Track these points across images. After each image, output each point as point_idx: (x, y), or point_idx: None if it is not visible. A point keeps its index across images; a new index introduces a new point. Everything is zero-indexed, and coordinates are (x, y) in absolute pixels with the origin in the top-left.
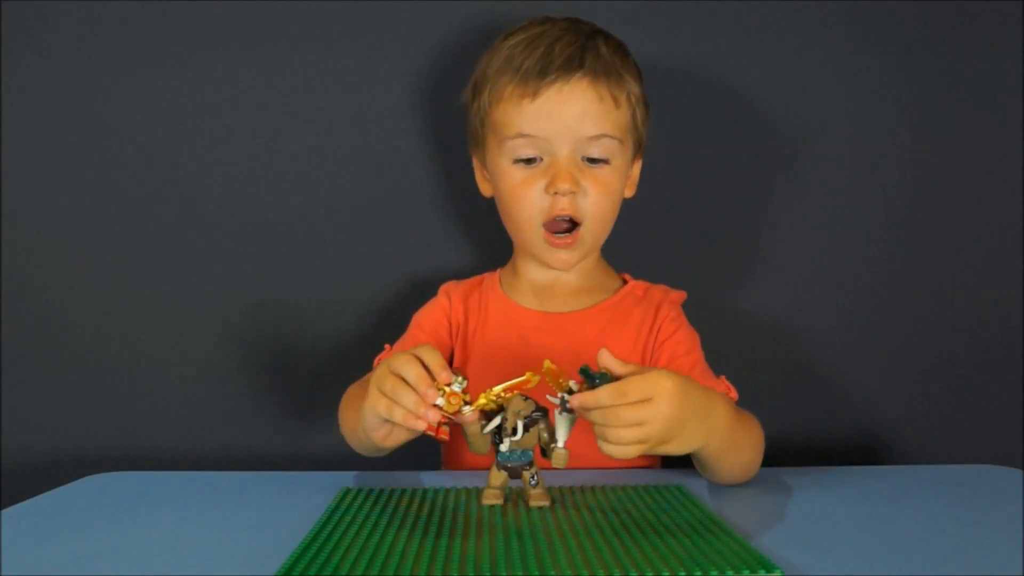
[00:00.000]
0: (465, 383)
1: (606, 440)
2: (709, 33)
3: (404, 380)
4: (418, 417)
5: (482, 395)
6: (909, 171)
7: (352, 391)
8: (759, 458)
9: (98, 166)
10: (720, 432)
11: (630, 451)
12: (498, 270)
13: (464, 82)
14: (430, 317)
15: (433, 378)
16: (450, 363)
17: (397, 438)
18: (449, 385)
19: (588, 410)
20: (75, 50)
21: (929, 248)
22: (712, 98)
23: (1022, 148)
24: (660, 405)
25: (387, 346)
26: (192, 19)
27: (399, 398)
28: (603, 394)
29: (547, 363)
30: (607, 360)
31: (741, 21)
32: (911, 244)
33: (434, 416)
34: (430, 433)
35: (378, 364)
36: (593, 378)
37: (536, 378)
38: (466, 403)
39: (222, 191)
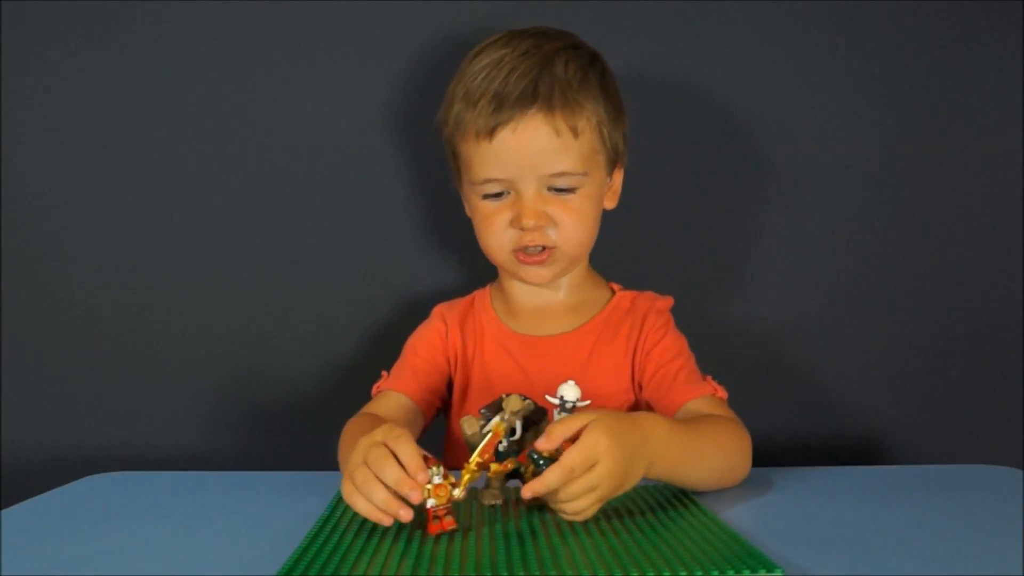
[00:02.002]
0: (442, 469)
1: (565, 513)
2: (698, 38)
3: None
4: (384, 516)
5: (464, 472)
6: (904, 170)
7: (350, 432)
8: (738, 460)
9: (98, 167)
10: (662, 453)
11: (590, 512)
12: (488, 287)
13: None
14: (426, 342)
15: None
16: (449, 390)
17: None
18: (430, 482)
19: (542, 491)
20: (75, 50)
21: (929, 246)
22: (702, 104)
23: (1022, 148)
24: (605, 465)
25: (384, 373)
26: (177, 36)
27: (373, 497)
28: (551, 478)
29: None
30: (544, 444)
31: (731, 25)
32: (911, 242)
33: (405, 516)
34: (439, 531)
35: (376, 394)
36: (541, 461)
37: (504, 425)
38: (453, 485)
39: (224, 192)
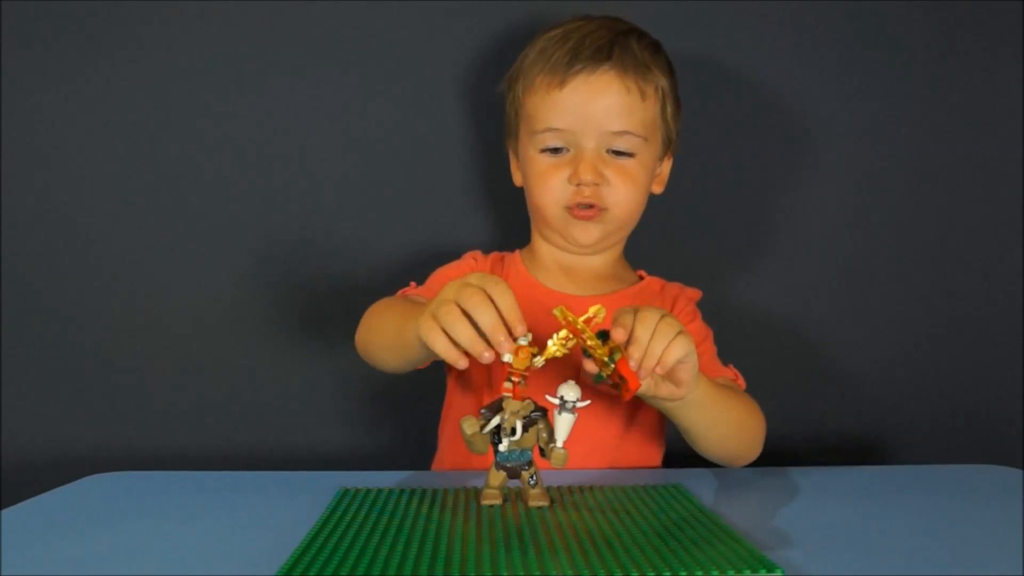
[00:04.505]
0: (530, 336)
1: (667, 339)
2: (714, 33)
3: (468, 315)
4: (461, 356)
5: (550, 342)
6: (913, 172)
7: (386, 302)
8: (754, 436)
9: (98, 166)
10: (701, 376)
11: (686, 337)
12: (517, 251)
13: (499, 76)
14: (456, 270)
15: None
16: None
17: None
18: (516, 339)
19: (629, 331)
20: (76, 50)
21: (931, 248)
22: (719, 97)
23: (1022, 148)
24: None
25: (412, 283)
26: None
27: (457, 333)
28: (620, 316)
29: (560, 310)
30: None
31: (749, 21)
32: (913, 244)
33: (489, 357)
34: (507, 394)
35: (402, 297)
36: (601, 336)
37: (603, 310)
38: (535, 355)
39: (225, 188)
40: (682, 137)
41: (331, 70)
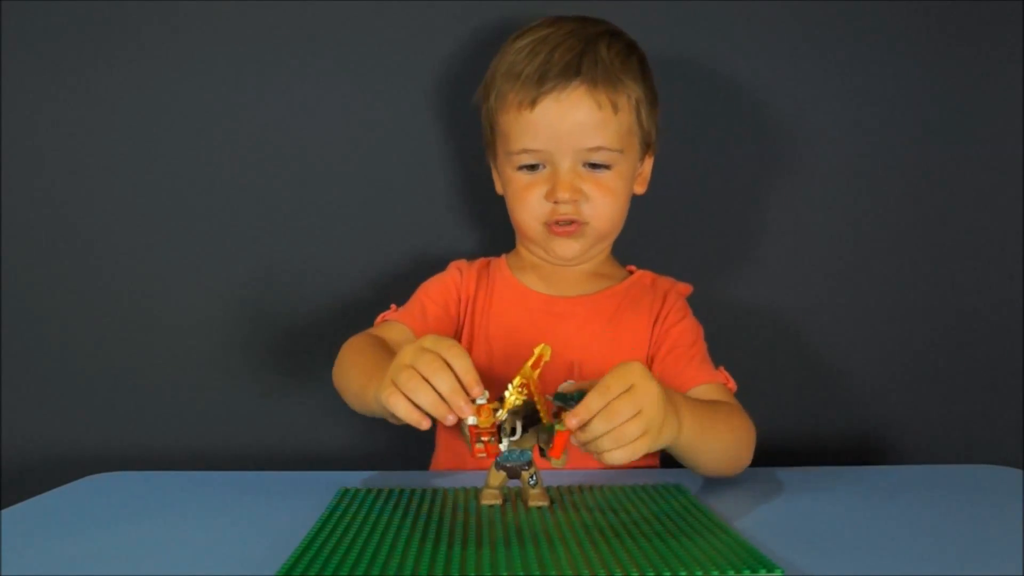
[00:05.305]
0: (487, 393)
1: (616, 444)
2: (710, 31)
3: (429, 382)
4: (423, 418)
5: (507, 394)
6: (911, 171)
7: (357, 345)
8: (744, 448)
9: (98, 166)
10: (687, 417)
11: (638, 447)
12: (503, 255)
13: (481, 78)
14: (441, 286)
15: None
16: (458, 340)
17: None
18: (474, 400)
19: (586, 422)
20: (76, 50)
21: (930, 247)
22: (714, 94)
23: (1022, 148)
24: (645, 386)
25: (393, 306)
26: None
27: (419, 399)
28: (590, 400)
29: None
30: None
31: (744, 19)
32: (912, 243)
33: (452, 420)
34: (481, 455)
35: (381, 322)
36: (569, 399)
37: (548, 349)
38: (496, 410)
39: (222, 190)
40: (678, 135)
41: (323, 77)
